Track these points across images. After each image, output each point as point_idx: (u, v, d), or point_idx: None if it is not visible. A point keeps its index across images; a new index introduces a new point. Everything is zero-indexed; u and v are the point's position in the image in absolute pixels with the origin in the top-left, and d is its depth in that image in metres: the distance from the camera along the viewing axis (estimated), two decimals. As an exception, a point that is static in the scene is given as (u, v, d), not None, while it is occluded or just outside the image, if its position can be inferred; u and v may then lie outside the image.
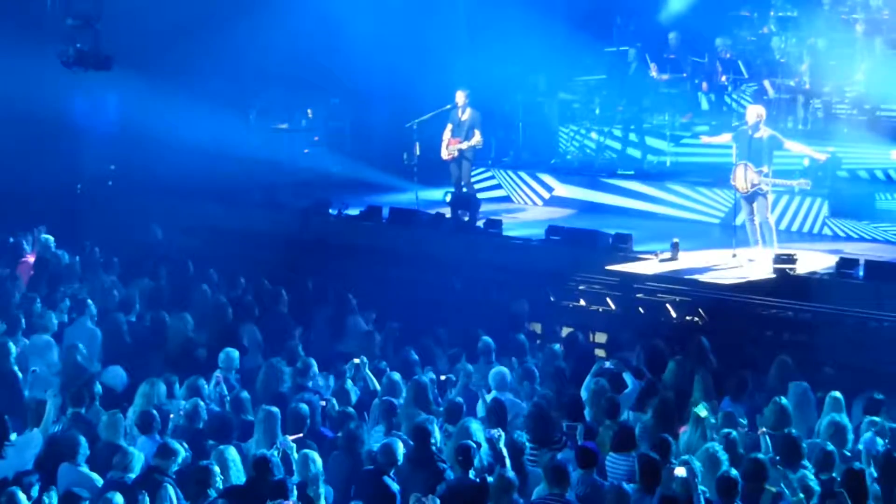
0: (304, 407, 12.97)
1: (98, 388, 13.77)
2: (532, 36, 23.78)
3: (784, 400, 12.75)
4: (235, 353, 14.88)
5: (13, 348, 14.95)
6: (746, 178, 17.92)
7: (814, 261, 18.07)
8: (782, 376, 14.03)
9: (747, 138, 17.97)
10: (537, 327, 17.58)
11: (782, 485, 11.21)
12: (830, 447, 11.72)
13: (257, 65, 23.60)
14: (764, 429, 12.36)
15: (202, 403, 13.24)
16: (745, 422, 12.85)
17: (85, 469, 11.97)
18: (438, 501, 11.10)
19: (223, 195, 23.70)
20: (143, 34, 22.71)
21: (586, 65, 25.08)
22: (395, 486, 11.69)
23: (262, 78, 24.18)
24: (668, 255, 18.58)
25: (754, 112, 18.17)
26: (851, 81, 22.13)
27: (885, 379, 14.35)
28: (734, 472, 11.03)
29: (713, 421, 12.49)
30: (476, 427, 12.38)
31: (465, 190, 21.98)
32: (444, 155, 22.00)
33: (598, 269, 18.53)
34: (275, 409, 12.76)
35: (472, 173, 22.89)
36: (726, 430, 12.34)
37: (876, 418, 12.74)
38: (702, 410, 12.39)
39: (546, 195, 23.60)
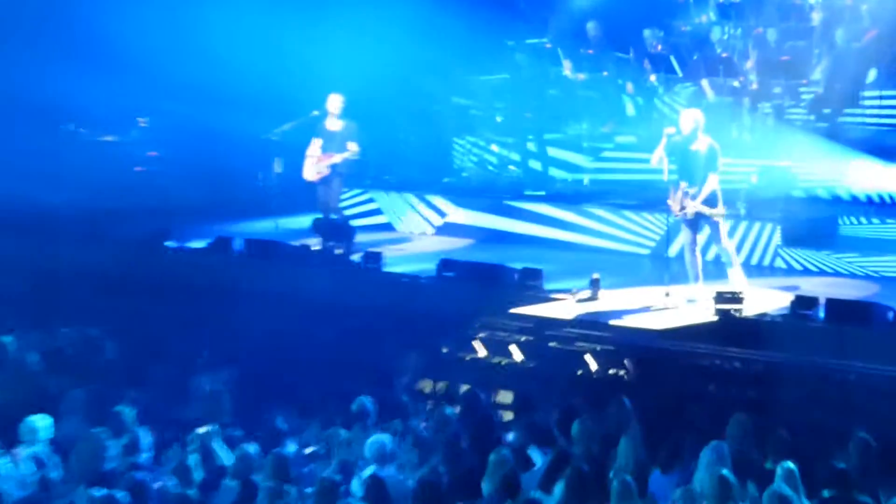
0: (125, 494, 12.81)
1: None
2: (419, 30, 23.81)
3: (726, 470, 12.76)
4: (43, 423, 14.70)
5: None
6: (676, 198, 18.06)
7: (764, 300, 18.19)
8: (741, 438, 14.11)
9: (682, 151, 18.05)
10: (427, 385, 17.56)
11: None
12: None
13: (75, 65, 23.39)
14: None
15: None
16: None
17: None
18: None
19: (32, 226, 23.40)
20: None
21: (485, 63, 25.13)
22: None
23: (82, 81, 23.95)
24: (586, 293, 18.62)
25: (691, 117, 18.26)
26: (808, 81, 22.41)
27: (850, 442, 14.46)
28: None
29: None
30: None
31: (334, 216, 21.92)
32: (311, 175, 21.89)
33: (502, 312, 18.56)
34: (97, 493, 12.64)
35: (346, 195, 22.86)
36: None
37: None
38: None
39: (438, 221, 23.69)
